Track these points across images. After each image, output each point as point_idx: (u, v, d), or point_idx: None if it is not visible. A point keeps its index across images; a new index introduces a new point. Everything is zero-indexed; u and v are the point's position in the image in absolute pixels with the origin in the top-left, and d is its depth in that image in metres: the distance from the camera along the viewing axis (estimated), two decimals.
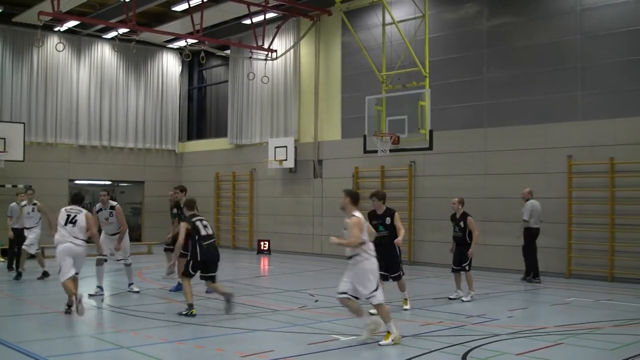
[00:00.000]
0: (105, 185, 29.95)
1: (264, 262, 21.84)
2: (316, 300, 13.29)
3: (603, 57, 17.03)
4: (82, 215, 11.52)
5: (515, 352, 8.82)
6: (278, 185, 25.17)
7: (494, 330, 10.29)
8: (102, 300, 13.09)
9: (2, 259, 20.34)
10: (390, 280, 12.11)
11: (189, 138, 30.59)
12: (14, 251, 18.25)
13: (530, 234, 16.82)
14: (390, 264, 11.94)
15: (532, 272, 16.76)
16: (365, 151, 18.68)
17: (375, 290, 9.31)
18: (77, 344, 9.63)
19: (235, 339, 9.83)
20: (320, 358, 8.67)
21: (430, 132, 17.21)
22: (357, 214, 9.49)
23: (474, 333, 10.10)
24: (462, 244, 13.76)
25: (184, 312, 11.36)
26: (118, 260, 14.23)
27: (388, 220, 11.94)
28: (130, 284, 14.30)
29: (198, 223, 11.67)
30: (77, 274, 11.38)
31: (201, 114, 30.92)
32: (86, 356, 8.89)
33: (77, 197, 12.09)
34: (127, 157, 28.48)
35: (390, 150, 17.90)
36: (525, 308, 12.65)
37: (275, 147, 24.22)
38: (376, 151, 18.13)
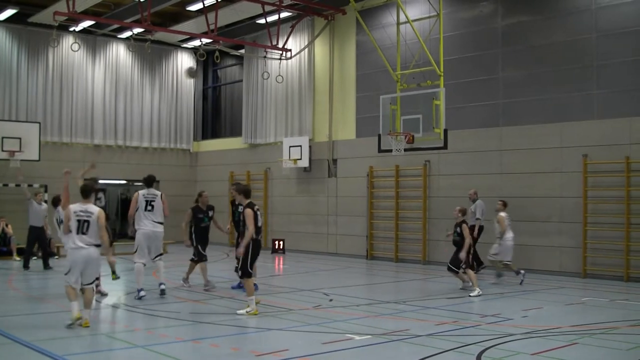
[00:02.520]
0: (121, 184, 30.16)
1: (279, 261, 21.85)
2: (331, 300, 13.30)
3: (619, 56, 16.93)
4: None
5: (530, 351, 8.79)
6: (293, 185, 25.19)
7: (508, 330, 10.26)
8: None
9: (18, 258, 20.47)
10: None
11: (204, 137, 30.67)
12: (30, 251, 18.44)
13: (480, 231, 17.71)
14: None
15: (481, 264, 17.67)
16: (380, 150, 18.67)
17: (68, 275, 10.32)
18: (93, 342, 9.67)
19: (250, 338, 9.86)
20: (335, 357, 8.67)
21: (445, 131, 17.19)
22: (72, 205, 10.49)
23: (488, 333, 10.08)
24: (461, 247, 14.57)
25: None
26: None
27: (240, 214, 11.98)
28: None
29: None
30: None
31: (216, 113, 31.00)
32: (102, 355, 8.93)
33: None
34: (142, 157, 28.58)
35: (405, 150, 17.88)
36: (540, 308, 12.59)
37: (290, 147, 24.24)
38: (391, 150, 18.13)
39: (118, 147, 27.87)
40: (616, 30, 17.00)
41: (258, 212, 11.97)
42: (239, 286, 14.70)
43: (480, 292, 14.02)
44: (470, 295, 13.88)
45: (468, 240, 14.53)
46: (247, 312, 11.45)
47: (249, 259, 11.70)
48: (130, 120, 28.07)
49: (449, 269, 14.88)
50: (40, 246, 18.68)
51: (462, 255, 14.39)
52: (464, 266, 14.56)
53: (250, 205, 11.90)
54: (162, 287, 13.36)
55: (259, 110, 26.67)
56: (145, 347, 9.06)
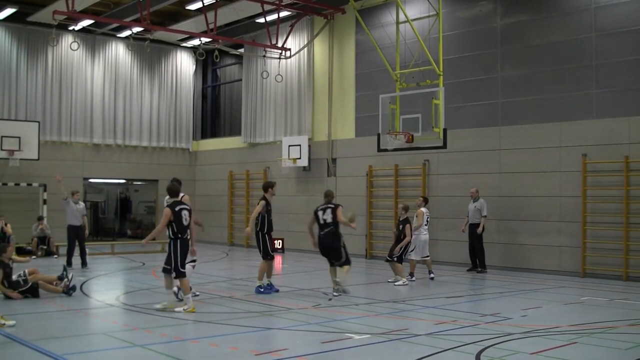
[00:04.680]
0: (120, 183, 30.16)
1: (278, 260, 21.83)
2: (330, 299, 13.30)
3: (618, 55, 16.93)
4: None
5: (529, 351, 8.79)
6: (292, 184, 25.18)
7: (507, 329, 10.26)
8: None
9: (18, 258, 20.41)
10: None
11: (203, 136, 30.67)
12: (72, 250, 18.58)
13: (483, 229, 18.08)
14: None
15: (483, 265, 18.09)
16: (379, 150, 18.67)
17: None
18: (92, 342, 9.67)
19: (249, 338, 9.86)
20: (334, 357, 8.67)
21: (444, 130, 17.21)
22: None
23: (487, 332, 10.08)
24: (400, 241, 15.91)
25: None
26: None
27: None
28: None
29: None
30: None
31: (215, 112, 31.00)
32: (101, 354, 8.93)
33: None
34: (141, 156, 28.59)
35: (404, 149, 17.89)
36: (539, 307, 12.60)
37: (289, 146, 24.25)
38: (390, 150, 18.14)
39: (117, 146, 27.86)
40: (615, 30, 17.00)
41: (182, 212, 11.82)
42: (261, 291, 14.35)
43: (406, 282, 15.61)
44: (394, 284, 15.49)
45: (407, 239, 15.73)
46: (184, 309, 11.57)
47: (179, 259, 11.74)
48: (129, 119, 28.06)
49: (386, 260, 16.24)
50: (79, 245, 18.76)
51: (397, 248, 15.71)
52: (395, 258, 15.75)
53: (171, 205, 11.88)
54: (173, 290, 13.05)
55: (258, 110, 26.67)
56: (144, 346, 9.05)
